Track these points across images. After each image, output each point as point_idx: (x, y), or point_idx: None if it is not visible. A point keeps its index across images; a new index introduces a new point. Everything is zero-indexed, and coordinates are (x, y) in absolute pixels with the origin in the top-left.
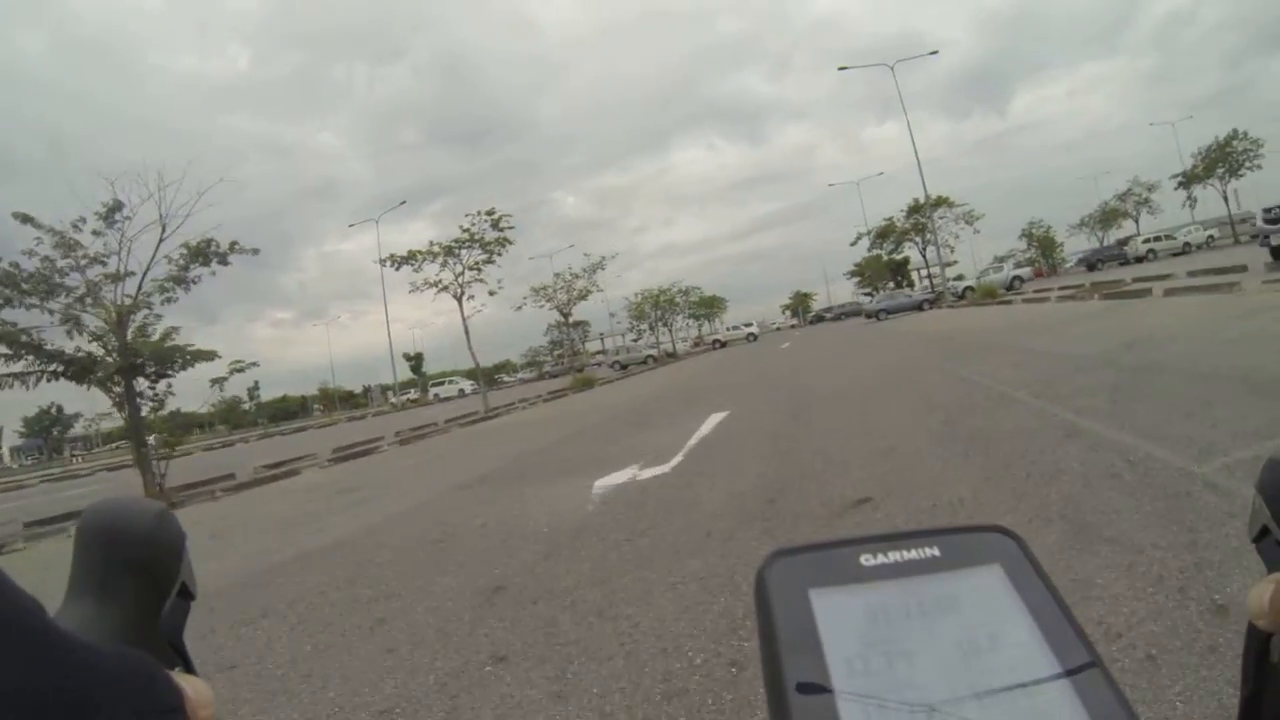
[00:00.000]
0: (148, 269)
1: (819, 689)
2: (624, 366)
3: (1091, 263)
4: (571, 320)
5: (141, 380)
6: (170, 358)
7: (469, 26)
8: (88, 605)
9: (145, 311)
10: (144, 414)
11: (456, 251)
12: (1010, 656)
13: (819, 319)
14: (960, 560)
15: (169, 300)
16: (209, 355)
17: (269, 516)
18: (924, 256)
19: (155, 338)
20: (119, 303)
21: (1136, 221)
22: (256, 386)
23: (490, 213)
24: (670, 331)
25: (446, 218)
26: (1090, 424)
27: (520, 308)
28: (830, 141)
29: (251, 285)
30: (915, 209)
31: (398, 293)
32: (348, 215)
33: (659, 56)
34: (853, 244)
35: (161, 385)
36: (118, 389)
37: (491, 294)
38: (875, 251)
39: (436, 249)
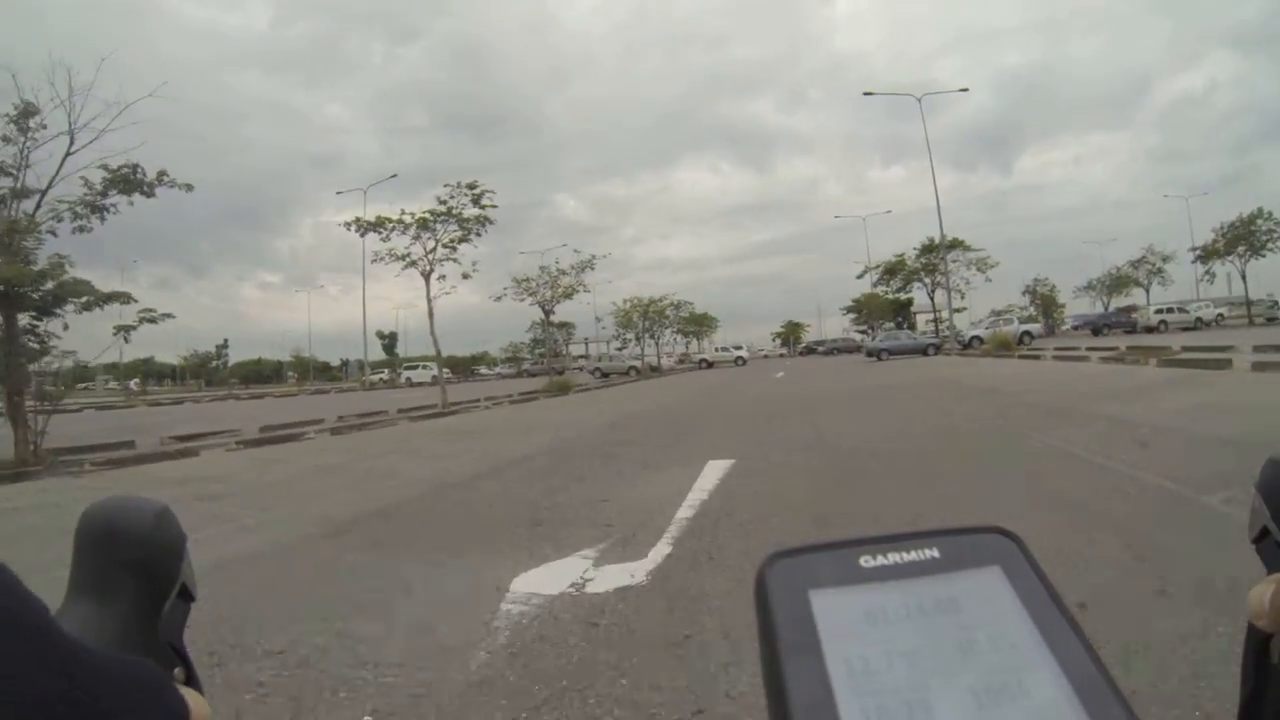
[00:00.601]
0: (50, 186)
1: (819, 690)
2: (605, 375)
3: (1097, 327)
4: (554, 319)
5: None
6: (68, 294)
7: (490, 14)
8: (88, 606)
9: (45, 236)
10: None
11: (430, 225)
12: (1010, 657)
13: (810, 350)
14: (960, 561)
15: (82, 229)
16: (121, 297)
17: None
18: (932, 299)
19: (40, 266)
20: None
21: (1147, 290)
22: (225, 344)
23: (471, 186)
24: (656, 344)
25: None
26: None
27: (500, 298)
28: (835, 178)
29: (244, 245)
30: (929, 248)
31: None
32: (348, 187)
33: (676, 72)
34: (859, 276)
35: (55, 324)
36: None
37: (466, 276)
38: (880, 288)
39: (408, 218)
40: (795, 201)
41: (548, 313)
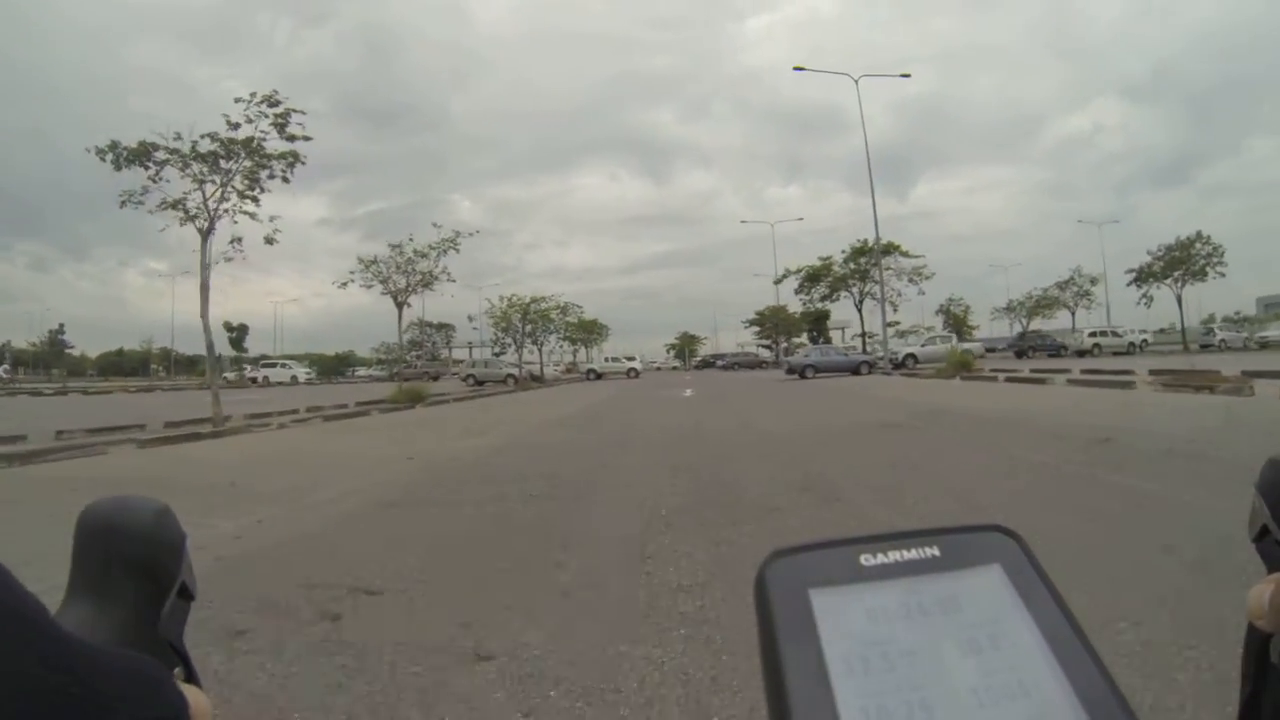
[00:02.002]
0: None
1: (819, 689)
2: (479, 382)
3: (1021, 349)
4: (430, 319)
5: None
6: None
7: (403, 3)
8: (87, 605)
9: None
10: None
11: (215, 159)
12: (1010, 656)
13: (707, 364)
14: (960, 560)
15: None
16: None
17: None
18: (859, 310)
19: None
20: None
21: (1073, 313)
22: (61, 330)
23: (273, 102)
24: (539, 351)
25: (344, 200)
26: None
27: (345, 284)
28: (733, 193)
29: (129, 228)
30: (860, 251)
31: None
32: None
33: (583, 74)
34: (777, 282)
35: None
36: None
37: (269, 241)
38: (800, 296)
39: (182, 145)
40: (692, 214)
41: (401, 304)
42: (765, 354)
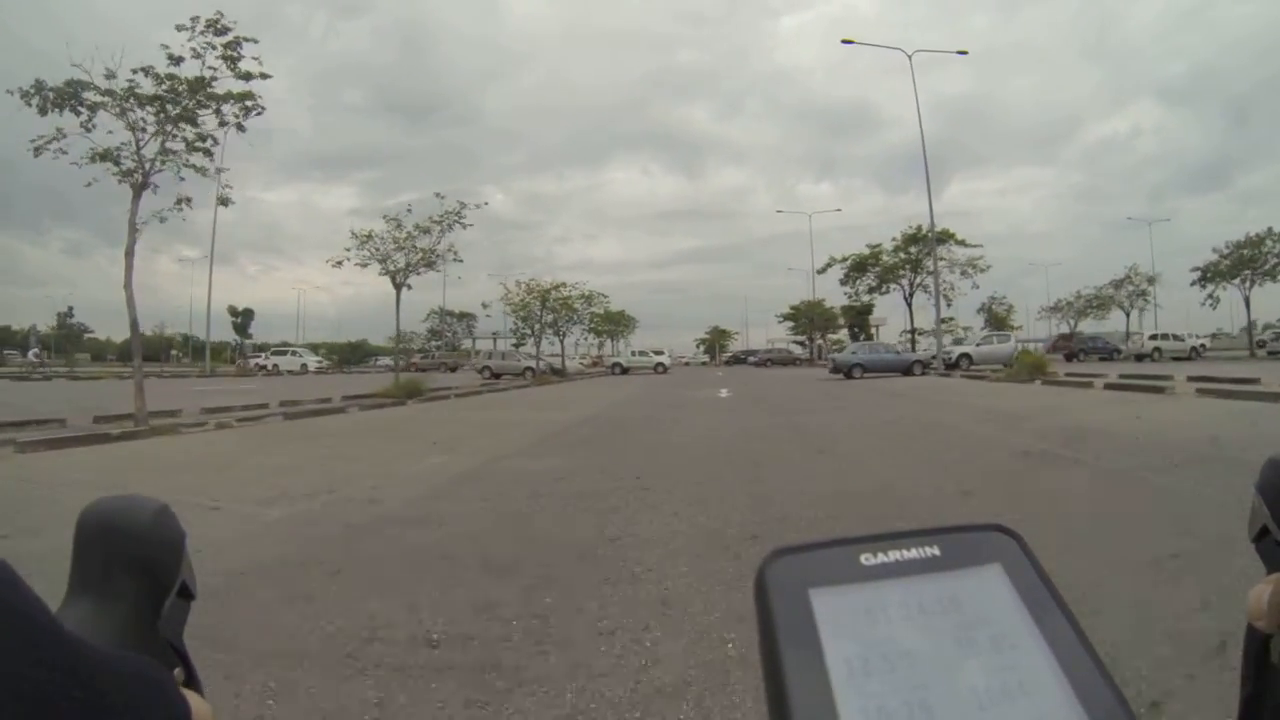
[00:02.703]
0: None
1: (819, 689)
2: (495, 375)
3: (1071, 352)
4: (405, 288)
5: None
6: None
7: None
8: (87, 605)
9: None
10: None
11: (161, 104)
12: (1010, 656)
13: (738, 360)
14: (960, 560)
15: None
16: None
17: None
18: (909, 304)
19: None
20: None
21: (1127, 314)
22: (70, 312)
23: (220, 28)
24: (561, 343)
25: (375, 189)
26: None
27: (340, 264)
28: (765, 190)
29: (159, 211)
30: (914, 238)
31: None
32: (275, 163)
33: (616, 71)
34: (820, 271)
35: None
36: None
37: (224, 203)
38: (845, 289)
39: (116, 85)
40: (723, 210)
41: (399, 285)
42: (799, 350)
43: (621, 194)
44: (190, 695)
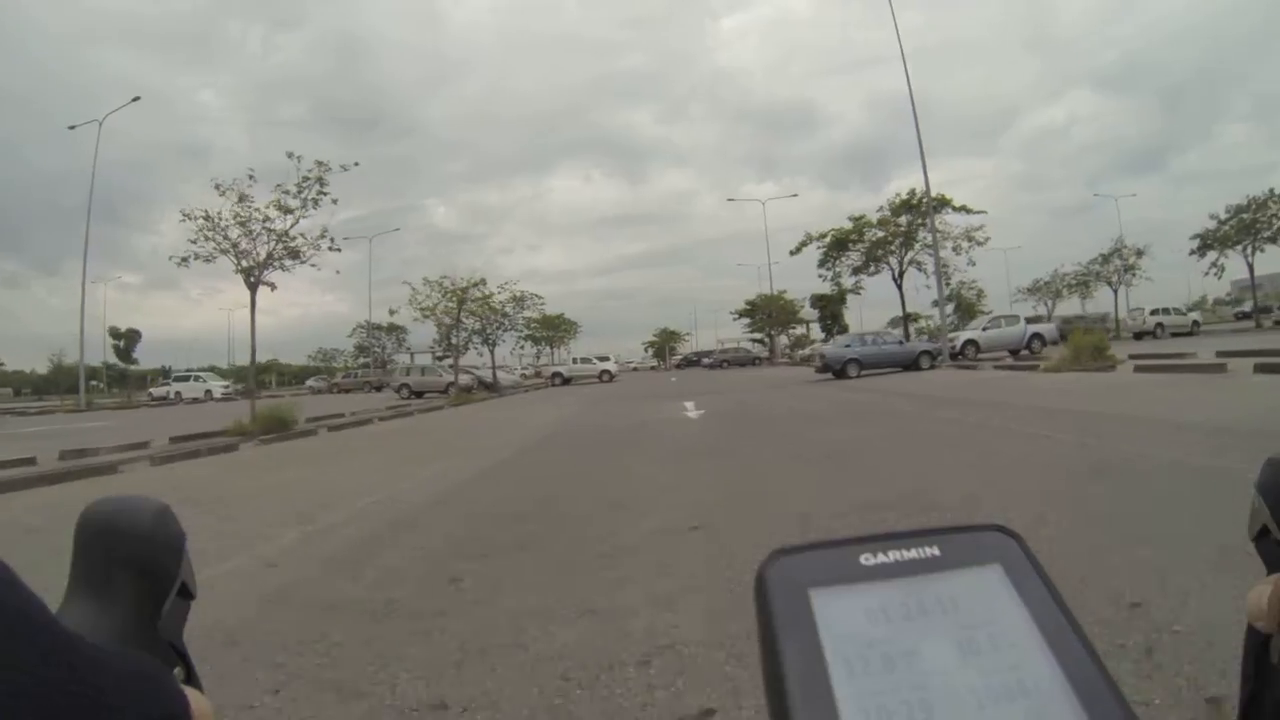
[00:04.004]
0: None
1: (819, 688)
2: (416, 394)
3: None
4: (268, 288)
5: None
6: None
7: (375, 6)
8: (87, 605)
9: None
10: None
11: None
12: (1010, 656)
13: (690, 362)
14: (960, 560)
15: None
16: None
17: None
18: (899, 285)
19: None
20: None
21: (1115, 291)
22: None
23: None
24: (491, 353)
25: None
26: None
27: (185, 260)
28: (709, 191)
29: (102, 241)
30: (907, 204)
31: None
32: (212, 183)
33: (558, 77)
34: (794, 252)
35: None
36: None
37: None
38: (821, 272)
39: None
40: (667, 214)
41: (255, 284)
42: (758, 349)
43: (564, 201)
44: (190, 692)
